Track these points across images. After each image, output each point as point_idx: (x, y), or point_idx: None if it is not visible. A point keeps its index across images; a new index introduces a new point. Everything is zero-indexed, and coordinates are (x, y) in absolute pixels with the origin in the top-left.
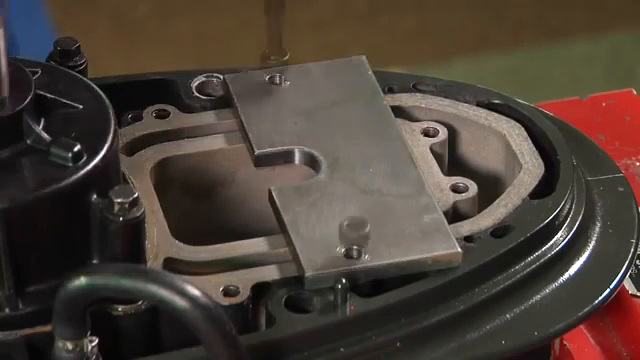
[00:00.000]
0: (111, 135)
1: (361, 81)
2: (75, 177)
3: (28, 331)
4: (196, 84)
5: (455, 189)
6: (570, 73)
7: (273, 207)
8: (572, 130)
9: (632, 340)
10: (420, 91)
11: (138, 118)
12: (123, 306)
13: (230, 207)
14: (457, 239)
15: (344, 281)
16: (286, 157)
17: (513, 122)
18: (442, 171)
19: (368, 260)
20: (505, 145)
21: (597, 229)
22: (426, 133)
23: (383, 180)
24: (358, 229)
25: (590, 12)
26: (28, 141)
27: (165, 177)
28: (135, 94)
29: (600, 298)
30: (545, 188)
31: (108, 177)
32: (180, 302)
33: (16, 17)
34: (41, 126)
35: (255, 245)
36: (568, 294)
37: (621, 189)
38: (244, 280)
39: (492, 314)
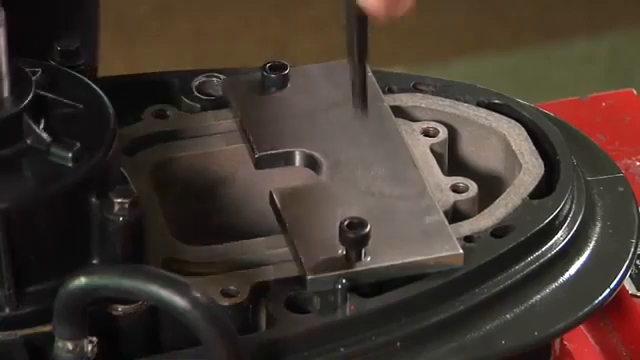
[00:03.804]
0: (111, 135)
1: None
2: (75, 177)
3: (28, 331)
4: (196, 84)
5: (455, 189)
6: (570, 73)
7: (274, 209)
8: (572, 130)
9: (632, 340)
10: (420, 91)
11: (138, 118)
12: (123, 306)
13: (230, 207)
14: (457, 239)
15: (344, 281)
16: (287, 159)
17: (513, 122)
18: (442, 171)
19: (369, 262)
20: (505, 145)
21: (597, 229)
22: (426, 133)
23: (384, 181)
24: (359, 230)
25: (590, 12)
26: (28, 141)
27: (165, 177)
28: (135, 94)
29: (600, 298)
30: (545, 188)
31: (108, 177)
32: (180, 302)
33: None
34: (41, 126)
35: (255, 245)
36: (568, 294)
37: (621, 189)
38: (244, 280)
39: (492, 314)
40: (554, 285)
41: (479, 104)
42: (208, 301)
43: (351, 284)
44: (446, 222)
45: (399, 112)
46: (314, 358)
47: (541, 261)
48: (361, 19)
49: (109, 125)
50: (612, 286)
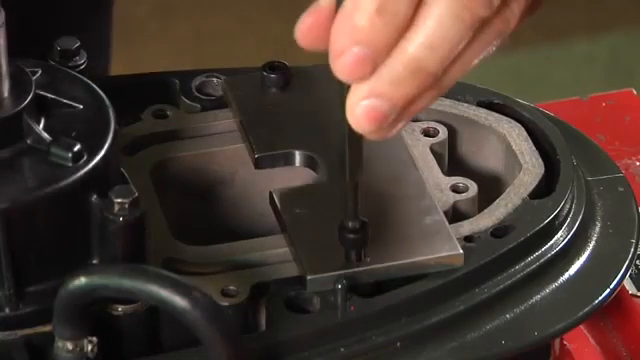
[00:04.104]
0: (111, 135)
1: None
2: (75, 177)
3: (28, 331)
4: (196, 84)
5: (455, 189)
6: (570, 73)
7: (274, 209)
8: (572, 130)
9: (632, 340)
10: None
11: (138, 118)
12: (123, 306)
13: (230, 207)
14: (457, 239)
15: (344, 281)
16: (287, 159)
17: (513, 122)
18: (442, 171)
19: (369, 262)
20: (505, 145)
21: (597, 229)
22: (426, 133)
23: (384, 181)
24: (359, 231)
25: (590, 12)
26: (28, 141)
27: (165, 177)
28: (135, 94)
29: (600, 298)
30: (545, 188)
31: (108, 177)
32: (180, 302)
33: None
34: (41, 126)
35: (255, 245)
36: (568, 294)
37: (621, 189)
38: (244, 280)
39: (492, 314)
40: (554, 285)
41: (479, 104)
42: (208, 301)
43: (351, 284)
44: (446, 222)
45: None
46: (314, 358)
47: (541, 261)
48: (355, 137)
49: (109, 125)
50: (612, 286)
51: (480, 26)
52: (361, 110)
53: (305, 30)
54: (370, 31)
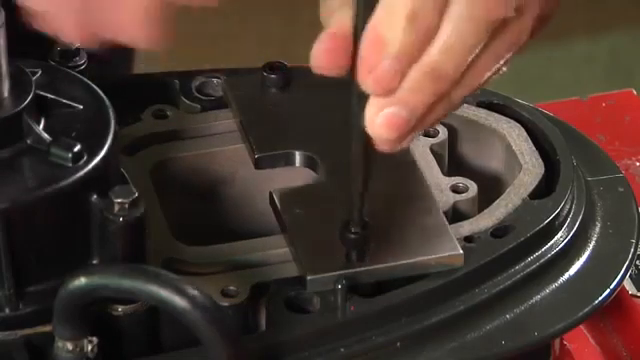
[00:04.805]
0: (111, 135)
1: None
2: (75, 177)
3: (28, 331)
4: (196, 84)
5: (455, 189)
6: (570, 73)
7: (274, 209)
8: (572, 130)
9: (632, 340)
10: None
11: (138, 118)
12: (123, 306)
13: (230, 207)
14: (457, 239)
15: (344, 281)
16: (287, 159)
17: (513, 122)
18: (442, 171)
19: (369, 262)
20: (505, 145)
21: (597, 229)
22: (426, 133)
23: (384, 182)
24: (359, 231)
25: (590, 12)
26: (28, 141)
27: (165, 177)
28: (135, 94)
29: (600, 298)
30: (545, 188)
31: (108, 177)
32: (180, 302)
33: None
34: (41, 126)
35: (255, 245)
36: (568, 294)
37: (621, 189)
38: (244, 280)
39: (492, 314)
40: (554, 285)
41: (479, 104)
42: (208, 301)
43: (351, 284)
44: (446, 222)
45: None
46: (314, 358)
47: (541, 261)
48: (369, 149)
49: (109, 125)
50: (612, 286)
51: (493, 34)
52: (382, 119)
53: (322, 56)
54: (402, 44)
